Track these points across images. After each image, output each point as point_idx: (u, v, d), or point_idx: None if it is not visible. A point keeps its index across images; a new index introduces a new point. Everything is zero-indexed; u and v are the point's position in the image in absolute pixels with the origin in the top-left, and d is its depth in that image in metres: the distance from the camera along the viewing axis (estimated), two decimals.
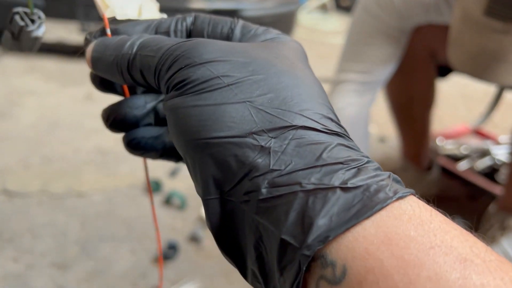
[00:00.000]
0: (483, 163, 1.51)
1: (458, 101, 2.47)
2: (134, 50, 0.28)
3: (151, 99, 0.33)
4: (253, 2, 2.68)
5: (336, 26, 4.00)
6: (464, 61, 0.86)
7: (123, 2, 0.30)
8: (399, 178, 0.24)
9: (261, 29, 0.30)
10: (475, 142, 1.71)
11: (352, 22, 1.09)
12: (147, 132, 0.33)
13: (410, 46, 1.09)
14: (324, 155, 0.23)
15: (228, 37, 0.30)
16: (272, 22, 2.72)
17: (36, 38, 0.33)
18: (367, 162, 0.24)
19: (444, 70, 1.26)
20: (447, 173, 1.49)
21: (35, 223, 1.21)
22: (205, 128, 0.24)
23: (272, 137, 0.23)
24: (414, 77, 1.21)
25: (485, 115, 1.86)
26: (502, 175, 1.38)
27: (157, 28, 0.30)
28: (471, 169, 1.47)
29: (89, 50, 0.30)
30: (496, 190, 1.35)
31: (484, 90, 2.64)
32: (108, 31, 0.30)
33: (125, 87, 0.32)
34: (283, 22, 2.80)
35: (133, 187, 1.41)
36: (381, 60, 1.05)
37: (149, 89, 0.33)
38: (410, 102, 1.27)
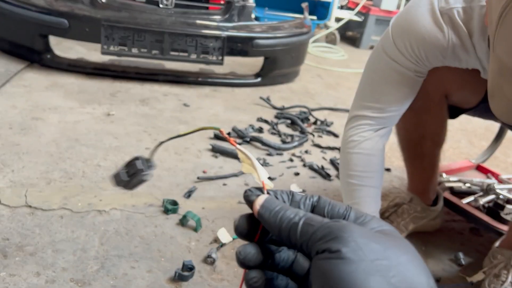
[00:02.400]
0: (487, 199, 1.56)
1: (459, 136, 2.53)
2: (299, 218, 0.38)
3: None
4: (266, 31, 2.77)
5: (342, 56, 4.10)
6: (508, 113, 0.85)
7: (265, 175, 0.43)
8: None
9: (369, 217, 0.39)
10: (479, 178, 1.76)
11: (370, 60, 1.15)
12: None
13: (425, 86, 1.14)
14: None
15: (344, 218, 0.40)
16: (285, 50, 2.81)
17: (144, 181, 0.42)
18: None
19: (455, 111, 1.32)
20: (451, 207, 1.54)
21: (56, 238, 1.27)
22: None
23: None
24: (427, 116, 1.27)
25: (489, 151, 1.92)
26: (507, 213, 1.43)
27: (292, 199, 0.42)
28: (475, 204, 1.52)
29: (259, 202, 0.40)
30: (500, 226, 1.40)
31: (486, 125, 2.70)
32: (265, 192, 0.42)
33: (258, 235, 0.42)
34: (295, 51, 2.89)
35: (150, 206, 1.46)
36: (396, 99, 1.11)
37: (277, 244, 0.44)
38: (422, 140, 1.33)
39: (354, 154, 1.16)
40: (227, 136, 0.43)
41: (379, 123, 1.14)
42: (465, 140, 2.50)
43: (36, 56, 2.53)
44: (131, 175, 0.42)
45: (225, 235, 1.35)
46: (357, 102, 1.17)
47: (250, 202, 0.41)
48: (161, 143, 0.45)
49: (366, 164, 1.15)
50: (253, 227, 0.42)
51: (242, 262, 0.41)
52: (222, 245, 1.32)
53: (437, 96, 1.23)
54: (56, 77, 2.47)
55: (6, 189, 1.44)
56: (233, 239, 1.36)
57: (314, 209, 0.41)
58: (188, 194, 1.55)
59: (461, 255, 1.41)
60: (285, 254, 0.43)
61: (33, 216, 1.34)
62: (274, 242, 0.43)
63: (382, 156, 1.19)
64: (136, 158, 0.42)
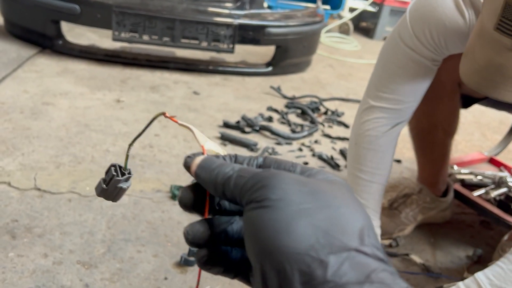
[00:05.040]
0: (498, 192, 1.53)
1: (473, 128, 2.49)
2: (234, 171, 0.36)
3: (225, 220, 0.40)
4: (278, 20, 2.74)
5: (355, 47, 4.05)
6: (472, 74, 0.87)
7: (210, 144, 0.41)
8: None
9: (315, 170, 0.37)
10: (491, 171, 1.73)
11: (384, 48, 1.12)
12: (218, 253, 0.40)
13: (438, 74, 1.11)
14: (373, 276, 0.29)
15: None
16: (297, 39, 2.78)
17: (121, 188, 0.41)
18: None
19: (468, 101, 1.30)
20: (461, 199, 1.52)
21: (64, 221, 1.28)
22: (277, 238, 0.30)
23: (330, 253, 0.30)
24: (440, 104, 1.25)
25: (502, 144, 1.89)
26: None
27: (235, 161, 0.39)
28: (486, 197, 1.49)
29: (196, 163, 0.38)
30: (511, 219, 1.38)
31: (500, 118, 2.66)
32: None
33: (206, 210, 0.40)
34: (307, 40, 2.86)
35: (158, 192, 1.46)
36: (412, 90, 1.08)
37: (223, 213, 0.41)
38: (433, 129, 1.31)
39: (370, 150, 1.13)
40: (169, 116, 0.42)
41: (396, 117, 1.11)
42: (478, 133, 2.46)
43: (48, 42, 2.54)
44: (107, 183, 0.41)
45: None
46: (372, 92, 1.13)
47: (188, 167, 0.38)
48: (130, 145, 0.43)
49: (380, 161, 1.13)
50: (198, 198, 0.39)
51: (192, 242, 0.38)
52: None
53: (450, 85, 1.20)
54: (67, 63, 2.48)
55: (16, 172, 1.45)
56: None
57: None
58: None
59: (479, 251, 1.37)
60: (237, 226, 0.40)
61: (42, 199, 1.35)
62: (225, 212, 0.41)
63: (394, 153, 1.17)
64: (112, 165, 0.41)
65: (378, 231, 1.17)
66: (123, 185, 0.41)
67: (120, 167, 0.41)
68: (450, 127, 1.33)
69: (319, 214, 0.31)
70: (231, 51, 2.58)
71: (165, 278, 1.13)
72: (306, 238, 0.30)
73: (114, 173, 0.41)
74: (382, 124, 1.11)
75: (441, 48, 1.01)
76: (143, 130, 0.42)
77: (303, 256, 0.29)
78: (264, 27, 2.63)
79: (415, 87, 1.08)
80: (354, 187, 1.16)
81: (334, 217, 0.31)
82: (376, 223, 1.16)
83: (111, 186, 0.41)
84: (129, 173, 0.41)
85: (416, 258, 1.32)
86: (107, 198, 0.41)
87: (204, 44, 2.54)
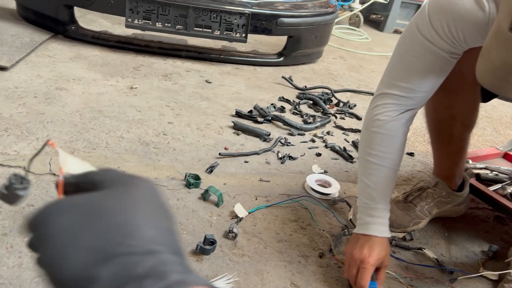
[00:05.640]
0: None
1: (485, 123, 2.47)
2: None
3: None
4: (291, 9, 2.71)
5: (366, 39, 4.02)
6: (486, 74, 0.88)
7: (72, 163, 0.48)
8: None
9: (117, 178, 0.40)
10: (506, 166, 1.72)
11: (402, 38, 1.11)
12: None
13: (459, 66, 1.10)
14: (150, 272, 0.32)
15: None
16: (309, 29, 2.76)
17: (19, 195, 0.45)
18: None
19: (487, 95, 1.28)
20: (476, 194, 1.51)
21: None
22: (54, 274, 0.32)
23: (102, 266, 0.31)
24: (459, 96, 1.23)
25: None
26: None
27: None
28: (502, 192, 1.48)
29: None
30: None
31: None
32: (61, 177, 0.44)
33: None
34: (320, 30, 2.84)
35: (173, 180, 1.46)
36: (427, 81, 1.07)
37: None
38: (451, 122, 1.29)
39: (378, 133, 1.13)
40: (51, 143, 0.48)
41: (406, 104, 1.11)
42: (490, 127, 2.44)
43: (61, 27, 2.53)
44: (6, 188, 0.45)
45: (241, 209, 1.35)
46: (386, 80, 1.13)
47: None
48: (30, 161, 0.51)
49: (389, 145, 1.13)
50: None
51: None
52: (240, 219, 1.32)
53: (471, 77, 1.17)
54: (80, 49, 2.47)
55: (31, 156, 1.45)
56: (249, 213, 1.36)
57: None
58: (210, 170, 1.55)
59: (494, 247, 1.37)
60: None
61: None
62: None
63: (404, 139, 1.16)
64: (14, 174, 0.45)
65: (387, 214, 1.16)
66: (21, 192, 0.45)
67: (21, 177, 0.46)
68: (468, 120, 1.32)
69: (90, 232, 0.32)
70: (244, 40, 2.56)
71: None
72: (78, 262, 0.31)
73: (14, 182, 0.45)
74: (391, 109, 1.11)
75: (459, 42, 1.00)
76: (39, 151, 0.49)
77: (77, 281, 0.31)
78: (277, 16, 2.61)
79: (430, 78, 1.07)
80: (363, 171, 1.17)
81: (106, 229, 0.33)
82: (384, 206, 1.15)
83: (10, 192, 0.45)
84: (28, 183, 0.46)
85: (429, 252, 1.31)
86: (6, 202, 0.46)
87: (217, 33, 2.52)
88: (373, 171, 1.14)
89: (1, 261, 1.05)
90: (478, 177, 1.56)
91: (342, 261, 1.24)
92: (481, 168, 1.61)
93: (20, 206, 1.23)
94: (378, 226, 1.13)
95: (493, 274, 1.25)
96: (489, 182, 1.55)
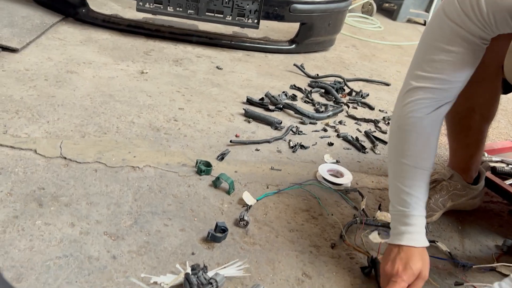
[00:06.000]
0: None
1: (499, 116, 2.43)
2: None
3: None
4: None
5: (379, 28, 3.96)
6: None
7: None
8: None
9: None
10: None
11: (428, 27, 1.06)
12: None
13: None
14: None
15: None
16: (322, 16, 2.71)
17: None
18: None
19: (508, 86, 1.25)
20: (492, 187, 1.49)
21: (90, 191, 1.27)
22: None
23: None
24: (480, 87, 1.19)
25: None
26: None
27: None
28: None
29: None
30: None
31: None
32: None
33: None
34: (333, 18, 2.79)
35: (183, 166, 1.45)
36: (458, 67, 1.01)
37: None
38: (470, 113, 1.26)
39: (413, 132, 1.06)
40: None
41: (441, 98, 1.04)
42: (504, 120, 2.40)
43: (71, 10, 2.50)
44: None
45: (250, 197, 1.33)
46: (415, 73, 1.06)
47: None
48: None
49: (424, 144, 1.06)
50: None
51: None
52: (249, 207, 1.30)
53: (493, 66, 1.14)
54: (91, 32, 2.45)
55: (42, 139, 1.44)
56: (257, 200, 1.34)
57: None
58: (221, 157, 1.53)
59: (509, 242, 1.34)
60: None
61: (68, 168, 1.34)
62: None
63: (438, 137, 1.10)
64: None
65: (423, 221, 1.09)
66: None
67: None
68: (488, 112, 1.28)
69: None
70: (256, 26, 2.53)
71: (192, 253, 1.12)
72: None
73: None
74: (426, 105, 1.04)
75: (490, 26, 0.95)
76: None
77: None
78: (289, 2, 2.56)
79: (463, 66, 1.01)
80: (396, 174, 1.10)
81: None
82: (420, 213, 1.08)
83: None
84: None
85: (442, 245, 1.29)
86: None
87: (229, 18, 2.49)
88: (408, 174, 1.07)
89: (13, 243, 1.04)
90: (493, 170, 1.54)
91: (354, 246, 1.22)
92: (497, 162, 1.58)
93: (30, 189, 1.22)
94: (415, 235, 1.06)
95: (507, 268, 1.23)
96: (505, 175, 1.52)
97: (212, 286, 0.99)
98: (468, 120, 1.29)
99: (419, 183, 1.07)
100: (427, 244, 1.07)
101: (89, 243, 1.09)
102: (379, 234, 1.21)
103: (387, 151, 1.17)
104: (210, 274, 1.03)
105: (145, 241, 1.13)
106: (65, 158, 1.38)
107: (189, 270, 1.01)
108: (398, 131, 1.09)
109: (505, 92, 1.28)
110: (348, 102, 2.22)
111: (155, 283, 1.01)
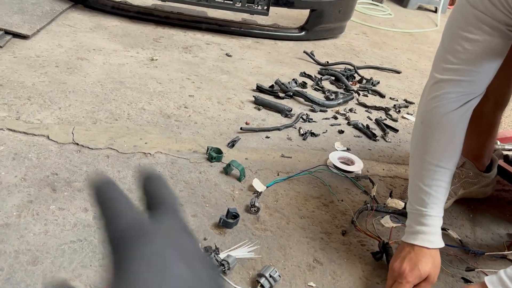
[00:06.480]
0: None
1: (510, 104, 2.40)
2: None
3: None
4: None
5: (389, 15, 3.91)
6: None
7: None
8: None
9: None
10: None
11: (452, 17, 1.02)
12: None
13: None
14: None
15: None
16: (333, 3, 2.69)
17: None
18: None
19: None
20: (504, 176, 1.48)
21: None
22: None
23: None
24: None
25: None
26: None
27: None
28: None
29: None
30: None
31: None
32: None
33: None
34: (343, 4, 2.76)
35: (194, 153, 1.45)
36: (484, 56, 0.96)
37: None
38: (483, 99, 1.23)
39: (438, 128, 1.02)
40: None
41: (468, 91, 1.00)
42: None
43: None
44: None
45: (259, 184, 1.34)
46: (440, 65, 1.01)
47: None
48: None
49: (449, 142, 1.02)
50: None
51: None
52: (260, 193, 1.31)
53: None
54: (100, 19, 2.44)
55: (54, 125, 1.45)
56: (267, 187, 1.35)
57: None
58: (232, 144, 1.53)
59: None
60: None
61: (80, 154, 1.35)
62: None
63: (464, 134, 1.05)
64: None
65: (440, 222, 1.05)
66: None
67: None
68: (502, 98, 1.27)
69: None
70: (266, 13, 2.51)
71: (204, 239, 1.13)
72: None
73: None
74: (453, 100, 1.00)
75: None
76: None
77: None
78: None
79: (488, 54, 0.96)
80: (416, 172, 1.06)
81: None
82: (438, 213, 1.04)
83: None
84: None
85: (453, 233, 1.29)
86: None
87: (238, 4, 2.47)
88: (429, 173, 1.03)
89: (28, 228, 1.05)
90: (506, 158, 1.52)
91: (365, 232, 1.23)
92: (509, 150, 1.56)
93: (44, 175, 1.23)
94: (429, 236, 1.02)
95: None
96: None
97: (224, 267, 1.00)
98: (481, 107, 1.26)
99: (440, 183, 1.03)
100: (442, 245, 1.04)
101: None
102: (391, 219, 1.21)
103: (410, 147, 1.13)
104: (222, 256, 1.04)
105: None
106: (77, 144, 1.39)
107: None
108: (422, 126, 1.04)
109: None
110: (359, 90, 2.21)
111: None
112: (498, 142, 1.59)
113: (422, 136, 1.05)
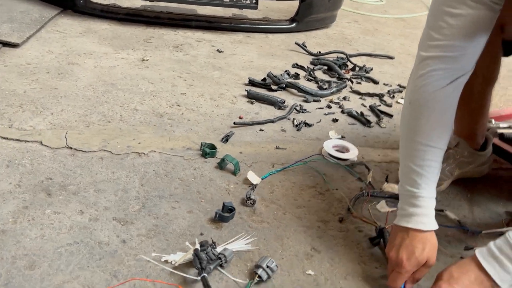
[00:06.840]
0: None
1: (507, 82, 2.38)
2: None
3: None
4: None
5: (380, 1, 3.90)
6: None
7: None
8: None
9: None
10: None
11: None
12: None
13: None
14: None
15: None
16: None
17: None
18: None
19: (509, 48, 1.23)
20: (500, 154, 1.47)
21: (97, 179, 1.28)
22: None
23: None
24: None
25: None
26: None
27: None
28: None
29: None
30: None
31: None
32: None
33: None
34: None
35: (188, 150, 1.45)
36: (472, 34, 0.94)
37: None
38: (472, 76, 1.21)
39: (426, 107, 1.00)
40: None
41: (455, 67, 0.98)
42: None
43: (69, 2, 2.50)
44: None
45: (254, 177, 1.34)
46: (425, 43, 1.00)
47: None
48: None
49: (438, 120, 1.00)
50: None
51: None
52: (255, 186, 1.31)
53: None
54: (90, 23, 2.44)
55: (47, 131, 1.45)
56: (262, 179, 1.35)
57: None
58: (226, 139, 1.53)
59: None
60: None
61: (74, 157, 1.35)
62: None
63: (454, 113, 1.03)
64: None
65: (433, 203, 1.03)
66: None
67: None
68: (490, 75, 1.26)
69: None
70: (255, 6, 2.50)
71: (201, 234, 1.13)
72: None
73: None
74: (440, 77, 0.98)
75: None
76: None
77: None
78: None
79: (472, 29, 0.94)
80: (407, 153, 1.04)
81: None
82: (430, 194, 1.02)
83: None
84: None
85: (451, 214, 1.29)
86: None
87: (227, 0, 2.47)
88: (420, 153, 1.01)
89: (24, 233, 1.06)
90: (501, 136, 1.52)
91: (361, 218, 1.23)
92: (504, 128, 1.56)
93: (38, 180, 1.24)
94: (422, 218, 1.00)
95: None
96: None
97: (221, 260, 1.01)
98: (470, 85, 1.24)
99: (431, 163, 1.01)
100: (436, 227, 1.02)
101: (99, 229, 1.11)
102: (386, 203, 1.21)
103: (399, 128, 1.11)
104: (218, 250, 1.04)
105: (154, 224, 1.14)
106: (70, 148, 1.39)
107: (198, 247, 1.02)
108: (410, 106, 1.03)
109: (506, 54, 1.25)
110: (352, 78, 2.20)
111: (166, 261, 1.02)
112: (493, 121, 1.59)
113: (411, 116, 1.03)
